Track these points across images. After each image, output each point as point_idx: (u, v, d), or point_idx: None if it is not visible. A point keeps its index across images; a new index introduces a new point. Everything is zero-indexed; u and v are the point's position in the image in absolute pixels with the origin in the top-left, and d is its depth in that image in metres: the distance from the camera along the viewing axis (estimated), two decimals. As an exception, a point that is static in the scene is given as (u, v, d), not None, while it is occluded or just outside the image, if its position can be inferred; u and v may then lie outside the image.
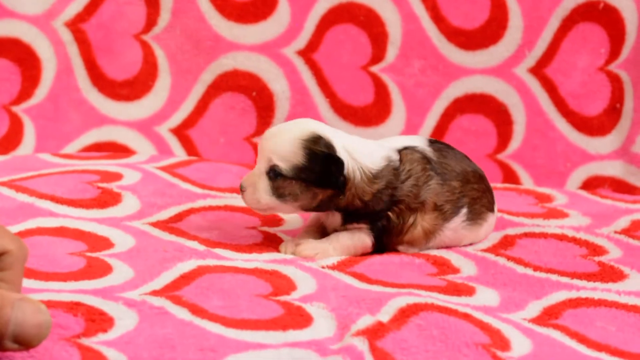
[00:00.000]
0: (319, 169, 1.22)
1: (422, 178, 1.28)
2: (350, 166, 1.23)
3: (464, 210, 1.31)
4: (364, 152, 1.25)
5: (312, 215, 1.32)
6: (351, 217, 1.26)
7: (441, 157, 1.32)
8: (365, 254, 1.28)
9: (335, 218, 1.27)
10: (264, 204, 1.24)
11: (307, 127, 1.24)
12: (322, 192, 1.23)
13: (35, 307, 0.87)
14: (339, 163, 1.22)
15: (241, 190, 1.25)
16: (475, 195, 1.32)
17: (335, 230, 1.28)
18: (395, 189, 1.26)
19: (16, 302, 0.86)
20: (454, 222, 1.30)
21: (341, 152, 1.23)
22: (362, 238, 1.27)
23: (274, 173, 1.22)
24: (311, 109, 1.74)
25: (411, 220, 1.27)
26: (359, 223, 1.26)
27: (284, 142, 1.22)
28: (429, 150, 1.31)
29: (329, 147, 1.23)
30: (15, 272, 0.89)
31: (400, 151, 1.28)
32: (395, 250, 1.28)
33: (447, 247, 1.32)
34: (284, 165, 1.21)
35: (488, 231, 1.36)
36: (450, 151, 1.34)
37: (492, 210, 1.36)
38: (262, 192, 1.23)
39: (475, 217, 1.32)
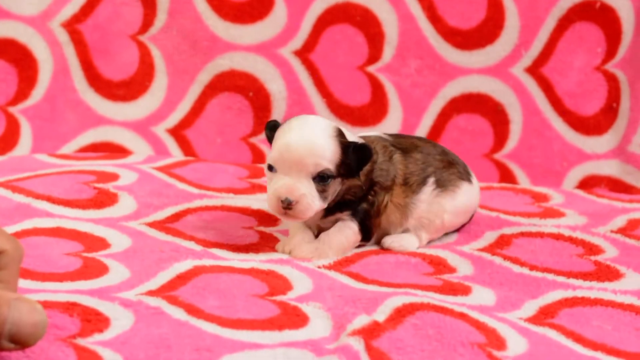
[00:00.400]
0: (354, 159, 1.23)
1: (386, 154, 1.30)
2: None
3: (431, 179, 1.32)
4: (354, 138, 1.27)
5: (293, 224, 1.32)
6: (334, 208, 1.27)
7: (397, 137, 1.36)
8: (358, 246, 1.29)
9: (317, 213, 1.28)
10: (316, 210, 1.22)
11: (326, 123, 1.24)
12: (349, 181, 1.25)
13: (31, 307, 0.87)
14: (368, 150, 1.23)
15: (287, 204, 1.20)
16: (440, 165, 1.34)
17: (319, 226, 1.29)
18: (373, 170, 1.28)
19: (12, 301, 0.86)
20: (424, 192, 1.31)
21: (352, 139, 1.25)
22: (349, 226, 1.27)
23: (324, 177, 1.21)
24: (308, 109, 1.74)
25: (385, 200, 1.29)
26: (341, 212, 1.27)
27: (325, 144, 1.21)
28: (383, 135, 1.35)
29: (345, 136, 1.24)
30: (10, 272, 0.90)
31: (363, 137, 1.32)
32: (384, 250, 1.29)
33: (434, 234, 1.33)
34: (331, 167, 1.21)
35: (469, 203, 1.36)
36: (406, 136, 1.39)
37: (466, 179, 1.36)
38: (315, 200, 1.21)
39: (446, 184, 1.33)
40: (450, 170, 1.34)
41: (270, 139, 1.25)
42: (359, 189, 1.26)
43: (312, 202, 1.20)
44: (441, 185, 1.33)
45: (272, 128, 1.26)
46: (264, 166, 1.24)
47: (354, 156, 1.23)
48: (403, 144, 1.34)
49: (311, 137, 1.21)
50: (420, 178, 1.31)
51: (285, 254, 1.25)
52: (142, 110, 1.75)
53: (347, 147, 1.22)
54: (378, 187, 1.28)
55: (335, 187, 1.23)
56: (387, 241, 1.30)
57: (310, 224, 1.29)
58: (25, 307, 0.87)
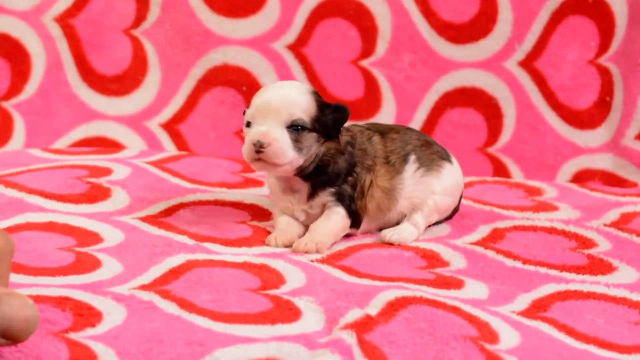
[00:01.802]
0: (328, 118, 1.26)
1: (363, 136, 1.33)
2: None
3: (412, 157, 1.34)
4: None
5: (275, 210, 1.33)
6: (317, 184, 1.28)
7: (374, 125, 1.38)
8: (353, 237, 1.30)
9: (301, 194, 1.29)
10: (289, 159, 1.24)
11: (303, 84, 1.29)
12: (323, 144, 1.27)
13: (22, 302, 0.87)
14: (344, 111, 1.27)
15: (259, 146, 1.22)
16: (418, 144, 1.35)
17: (307, 214, 1.30)
18: (353, 147, 1.30)
19: (4, 296, 0.86)
20: (408, 171, 1.33)
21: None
22: (336, 212, 1.28)
23: (297, 126, 1.23)
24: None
25: (368, 180, 1.30)
26: (325, 190, 1.28)
27: (299, 96, 1.25)
28: (360, 123, 1.39)
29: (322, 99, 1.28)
30: (2, 267, 0.89)
31: None
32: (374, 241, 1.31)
33: (429, 216, 1.34)
34: (305, 117, 1.24)
35: (455, 182, 1.37)
36: (383, 124, 1.40)
37: (447, 159, 1.38)
38: (287, 147, 1.23)
39: (429, 164, 1.35)
40: (430, 150, 1.36)
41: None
42: (338, 153, 1.28)
43: (285, 148, 1.23)
44: (424, 164, 1.34)
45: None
46: (244, 127, 1.27)
47: (330, 115, 1.26)
48: (379, 127, 1.37)
49: (286, 90, 1.26)
50: (401, 156, 1.33)
51: (278, 247, 1.26)
52: (135, 104, 1.75)
53: (323, 105, 1.26)
54: (359, 167, 1.30)
55: (310, 142, 1.25)
56: (387, 235, 1.31)
57: (297, 212, 1.29)
58: (16, 302, 0.86)
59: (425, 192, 1.34)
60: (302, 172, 1.27)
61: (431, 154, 1.36)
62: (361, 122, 1.39)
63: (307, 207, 1.29)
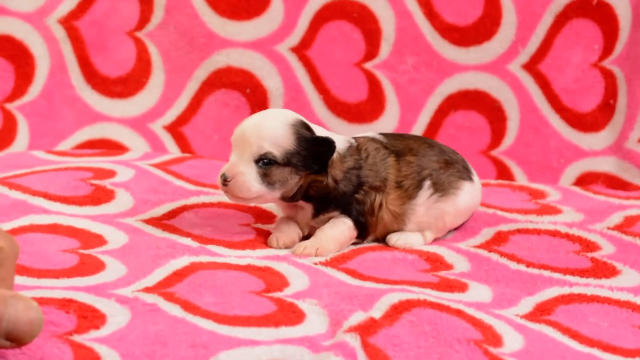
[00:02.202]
0: (309, 152, 1.23)
1: (377, 155, 1.30)
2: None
3: (427, 183, 1.31)
4: (330, 135, 1.27)
5: (280, 216, 1.33)
6: (322, 206, 1.27)
7: (392, 139, 1.34)
8: (356, 243, 1.29)
9: (305, 212, 1.28)
10: (254, 192, 1.23)
11: (289, 113, 1.26)
12: (306, 176, 1.25)
13: (27, 305, 0.87)
14: (329, 144, 1.23)
15: (224, 180, 1.23)
16: (436, 167, 1.32)
17: (307, 223, 1.29)
18: (360, 169, 1.28)
19: (9, 299, 0.86)
20: (421, 197, 1.30)
21: (322, 134, 1.25)
22: (344, 222, 1.27)
23: (266, 161, 1.22)
24: (305, 106, 1.74)
25: (377, 200, 1.28)
26: (330, 212, 1.27)
27: (274, 129, 1.23)
28: (379, 137, 1.33)
29: (311, 130, 1.25)
30: (6, 269, 0.89)
31: (353, 137, 1.32)
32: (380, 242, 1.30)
33: (438, 233, 1.33)
34: (276, 152, 1.22)
35: (471, 202, 1.35)
36: (404, 136, 1.37)
37: (466, 178, 1.34)
38: (252, 181, 1.22)
39: (445, 187, 1.32)
40: (449, 171, 1.33)
41: None
42: (324, 186, 1.26)
43: (249, 182, 1.22)
44: (440, 189, 1.31)
45: None
46: None
47: (312, 149, 1.23)
48: (397, 146, 1.33)
49: (262, 121, 1.24)
50: (415, 182, 1.30)
51: (279, 248, 1.26)
52: (139, 106, 1.75)
53: (303, 138, 1.23)
54: (367, 186, 1.28)
55: (283, 176, 1.23)
56: (393, 239, 1.30)
57: (302, 225, 1.29)
58: (21, 305, 0.86)
59: (437, 215, 1.32)
60: (293, 199, 1.27)
61: (449, 175, 1.33)
62: (382, 137, 1.34)
63: (312, 222, 1.29)
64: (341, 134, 1.32)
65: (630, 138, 1.72)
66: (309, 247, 1.25)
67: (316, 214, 1.28)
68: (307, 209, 1.28)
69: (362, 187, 1.27)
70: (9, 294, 0.87)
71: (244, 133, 1.23)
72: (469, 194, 1.34)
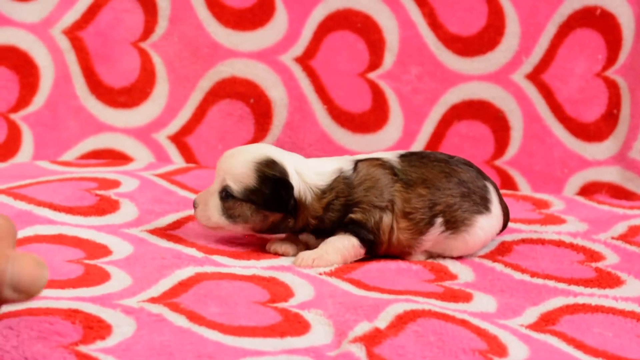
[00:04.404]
0: (269, 192, 1.24)
1: (382, 180, 1.27)
2: (302, 189, 1.25)
3: (439, 220, 1.28)
4: (315, 171, 1.26)
5: None
6: (320, 233, 1.27)
7: (408, 166, 1.29)
8: (360, 260, 1.28)
9: (308, 236, 1.29)
10: (213, 223, 1.26)
11: (261, 150, 1.26)
12: (273, 215, 1.25)
13: (31, 259, 0.90)
14: (288, 187, 1.24)
15: (194, 206, 1.27)
16: (451, 202, 1.28)
17: (309, 246, 1.29)
18: (349, 195, 1.26)
19: (12, 255, 0.89)
20: (431, 234, 1.28)
21: (293, 176, 1.25)
22: (348, 239, 1.26)
23: (225, 193, 1.25)
24: (309, 116, 1.75)
25: (386, 220, 1.26)
26: (338, 232, 1.27)
27: (237, 164, 1.25)
28: (395, 161, 1.29)
29: (282, 171, 1.24)
30: (7, 243, 0.91)
31: (357, 161, 1.29)
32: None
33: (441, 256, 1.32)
34: (235, 187, 1.24)
35: (484, 236, 1.31)
36: (424, 161, 1.31)
37: (482, 211, 1.30)
38: (213, 211, 1.25)
39: (457, 225, 1.29)
40: (465, 206, 1.29)
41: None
42: (324, 216, 1.26)
43: (210, 212, 1.26)
44: (452, 226, 1.28)
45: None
46: None
47: (273, 189, 1.23)
48: (410, 174, 1.28)
49: (233, 155, 1.27)
50: (426, 217, 1.27)
51: (279, 253, 1.28)
52: (143, 117, 1.76)
53: (266, 178, 1.24)
54: (366, 205, 1.26)
55: (243, 211, 1.25)
56: None
57: (309, 244, 1.29)
58: (25, 259, 0.89)
59: (445, 250, 1.30)
60: (274, 232, 1.29)
61: (464, 211, 1.29)
62: (399, 160, 1.29)
63: (316, 243, 1.28)
64: (352, 149, 1.31)
65: (633, 148, 1.72)
66: (306, 258, 1.25)
67: (317, 238, 1.28)
68: (308, 236, 1.28)
69: (356, 206, 1.26)
70: (14, 253, 0.89)
71: (218, 164, 1.27)
72: (481, 229, 1.30)
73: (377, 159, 1.29)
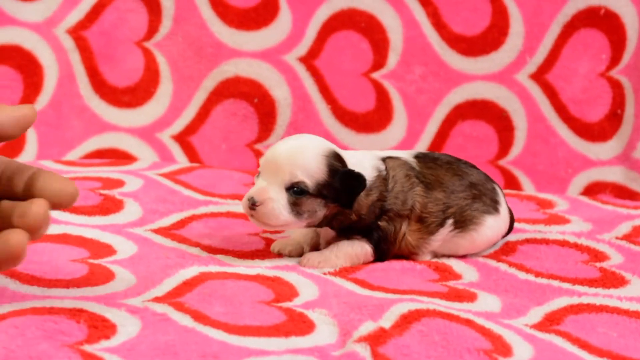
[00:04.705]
0: (340, 185, 1.20)
1: (406, 184, 1.26)
2: None
3: (450, 221, 1.28)
4: (360, 165, 1.24)
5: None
6: (344, 231, 1.25)
7: (425, 167, 1.29)
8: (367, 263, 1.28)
9: (328, 232, 1.27)
10: (282, 221, 1.20)
11: (324, 143, 1.22)
12: (333, 208, 1.22)
13: (15, 107, 0.99)
14: (361, 180, 1.21)
15: (252, 204, 1.19)
16: (462, 203, 1.29)
17: (328, 241, 1.28)
18: (385, 199, 1.25)
19: None
20: (440, 234, 1.28)
21: (356, 169, 1.22)
22: (362, 245, 1.25)
23: (297, 190, 1.19)
24: (313, 116, 1.75)
25: (402, 229, 1.26)
26: (353, 235, 1.26)
27: (308, 158, 1.19)
28: (412, 161, 1.29)
29: (343, 162, 1.22)
30: None
31: (384, 159, 1.27)
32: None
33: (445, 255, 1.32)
34: (309, 182, 1.19)
35: (491, 235, 1.32)
36: (437, 162, 1.31)
37: (491, 211, 1.31)
38: (282, 209, 1.19)
39: (466, 224, 1.29)
40: (474, 206, 1.30)
41: None
42: (348, 220, 1.24)
43: (278, 210, 1.19)
44: (460, 225, 1.29)
45: None
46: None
47: (342, 183, 1.20)
48: (428, 177, 1.28)
49: (296, 148, 1.20)
50: (439, 220, 1.27)
51: (283, 253, 1.27)
52: (147, 116, 1.76)
53: (336, 171, 1.20)
54: (392, 213, 1.25)
55: (313, 207, 1.20)
56: None
57: (323, 238, 1.28)
58: (8, 108, 0.98)
59: (451, 249, 1.30)
60: (317, 226, 1.25)
61: (473, 210, 1.29)
62: (414, 160, 1.29)
63: (332, 240, 1.27)
64: (356, 148, 1.29)
65: (637, 148, 1.72)
66: (312, 259, 1.24)
67: (338, 236, 1.26)
68: (329, 231, 1.27)
69: (385, 214, 1.25)
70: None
71: (277, 159, 1.20)
72: (489, 229, 1.31)
73: (399, 158, 1.29)
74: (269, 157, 1.21)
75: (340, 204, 1.22)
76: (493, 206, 1.32)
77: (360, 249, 1.25)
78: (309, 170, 1.19)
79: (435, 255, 1.30)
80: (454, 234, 1.29)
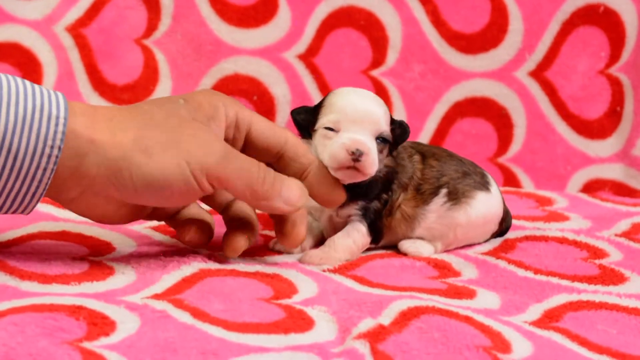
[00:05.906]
0: (400, 132, 1.24)
1: (405, 153, 1.30)
2: None
3: (444, 191, 1.30)
4: None
5: None
6: (350, 196, 1.24)
7: (416, 144, 1.35)
8: (366, 250, 1.28)
9: (330, 223, 1.28)
10: (375, 170, 1.20)
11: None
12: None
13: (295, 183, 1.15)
14: (407, 128, 1.25)
15: (358, 155, 1.18)
16: (454, 176, 1.31)
17: (332, 222, 1.28)
18: (397, 165, 1.28)
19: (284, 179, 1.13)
20: (434, 204, 1.30)
21: None
22: (357, 229, 1.26)
23: (383, 139, 1.22)
24: (312, 113, 1.75)
25: (400, 198, 1.28)
26: (354, 202, 1.26)
27: (385, 109, 1.22)
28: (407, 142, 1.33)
29: None
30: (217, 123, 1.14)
31: None
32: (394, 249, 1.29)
33: (449, 246, 1.33)
34: (389, 131, 1.22)
35: (486, 212, 1.33)
36: (429, 146, 1.37)
37: (482, 189, 1.33)
38: (377, 159, 1.20)
39: (459, 196, 1.31)
40: (466, 181, 1.32)
41: (304, 121, 1.25)
42: (380, 175, 1.25)
43: (376, 160, 1.20)
44: (453, 197, 1.30)
45: (305, 111, 1.26)
46: (319, 130, 1.22)
47: (396, 130, 1.24)
48: (422, 148, 1.33)
49: (375, 100, 1.23)
50: (433, 187, 1.30)
51: (287, 252, 1.27)
52: (146, 114, 1.75)
53: (393, 120, 1.24)
54: (396, 184, 1.28)
55: (384, 154, 1.24)
56: (405, 245, 1.30)
57: (322, 217, 1.29)
58: (292, 182, 1.15)
59: (449, 225, 1.31)
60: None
61: (465, 185, 1.31)
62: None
63: (333, 213, 1.28)
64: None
65: (637, 145, 1.72)
66: (314, 256, 1.25)
67: (343, 204, 1.25)
68: (332, 222, 1.28)
69: (392, 183, 1.27)
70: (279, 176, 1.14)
71: (363, 110, 1.21)
72: (482, 204, 1.32)
73: None
74: (354, 110, 1.20)
75: (396, 150, 1.27)
76: (483, 184, 1.34)
77: (357, 233, 1.26)
78: (387, 120, 1.22)
79: (432, 235, 1.31)
80: (448, 207, 1.30)
